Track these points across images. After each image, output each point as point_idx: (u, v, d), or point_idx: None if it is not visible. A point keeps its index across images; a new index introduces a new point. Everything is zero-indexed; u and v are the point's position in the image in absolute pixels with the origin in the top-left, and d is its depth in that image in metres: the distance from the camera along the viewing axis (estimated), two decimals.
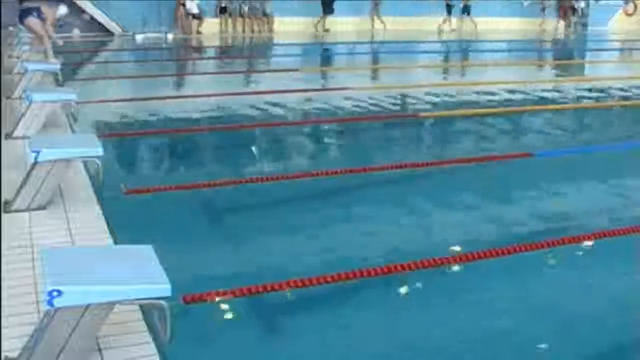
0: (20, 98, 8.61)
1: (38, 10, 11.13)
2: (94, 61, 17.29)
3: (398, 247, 5.11)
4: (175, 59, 18.71)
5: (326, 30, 24.74)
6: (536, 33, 26.19)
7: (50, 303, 2.79)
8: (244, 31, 23.71)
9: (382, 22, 25.11)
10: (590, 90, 13.31)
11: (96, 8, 21.62)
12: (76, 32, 21.40)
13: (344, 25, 25.11)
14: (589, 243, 5.04)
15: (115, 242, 4.43)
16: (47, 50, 11.43)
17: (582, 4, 28.59)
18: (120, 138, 8.21)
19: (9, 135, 7.11)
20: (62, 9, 11.87)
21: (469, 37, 24.52)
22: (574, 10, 27.91)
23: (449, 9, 26.13)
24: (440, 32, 25.72)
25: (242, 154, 8.02)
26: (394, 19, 25.24)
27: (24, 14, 11.19)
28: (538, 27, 26.96)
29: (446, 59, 19.66)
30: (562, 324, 4.04)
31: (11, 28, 16.36)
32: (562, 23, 27.67)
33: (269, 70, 15.95)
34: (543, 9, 27.61)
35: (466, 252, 4.65)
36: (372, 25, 25.29)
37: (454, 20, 26.37)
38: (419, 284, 4.44)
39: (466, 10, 25.83)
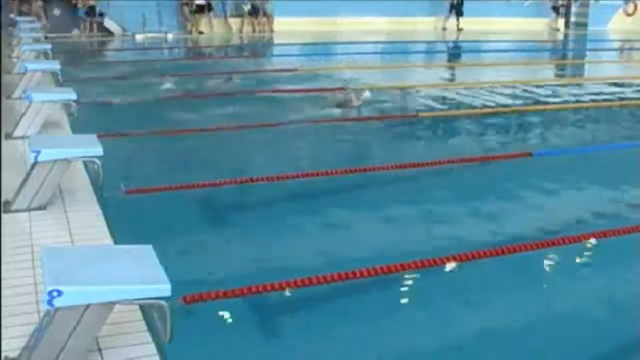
0: (20, 98, 8.61)
1: None
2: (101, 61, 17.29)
3: (397, 247, 5.11)
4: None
5: (460, 29, 25.56)
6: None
7: (50, 303, 2.79)
8: (241, 32, 23.68)
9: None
10: (590, 90, 13.32)
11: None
12: (76, 32, 21.40)
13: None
14: (588, 243, 5.04)
15: (115, 242, 4.43)
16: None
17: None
18: (120, 138, 8.19)
19: (9, 135, 7.12)
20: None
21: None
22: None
23: (557, 10, 27.34)
24: (552, 31, 26.76)
25: (242, 154, 8.01)
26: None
27: None
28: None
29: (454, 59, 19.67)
30: (561, 324, 4.05)
31: (11, 28, 16.38)
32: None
33: (272, 70, 15.94)
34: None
35: (465, 252, 4.65)
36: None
37: (561, 21, 27.39)
38: (419, 284, 4.44)
39: (254, 11, 24.65)
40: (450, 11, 25.86)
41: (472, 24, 25.52)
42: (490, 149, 8.38)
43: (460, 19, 25.71)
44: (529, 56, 19.35)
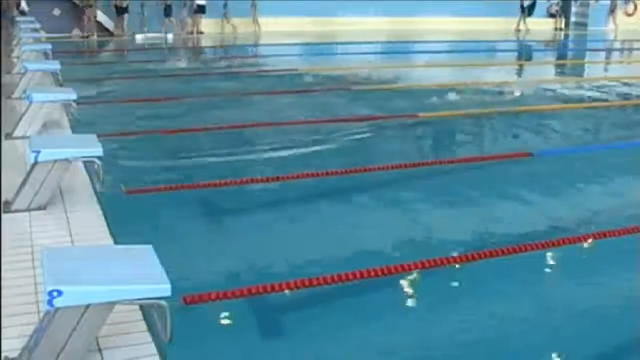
0: (20, 98, 8.61)
1: None
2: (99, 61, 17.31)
3: (397, 247, 5.11)
4: None
5: (519, 30, 26.29)
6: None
7: (50, 303, 2.79)
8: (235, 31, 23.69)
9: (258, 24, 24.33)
10: (590, 89, 13.33)
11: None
12: (76, 32, 21.41)
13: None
14: (588, 243, 5.04)
15: (115, 242, 4.43)
16: None
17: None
18: (120, 138, 8.20)
19: (9, 135, 7.11)
20: None
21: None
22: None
23: (553, 15, 27.96)
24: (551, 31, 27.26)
25: (241, 154, 8.01)
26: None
27: None
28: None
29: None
30: (560, 324, 4.06)
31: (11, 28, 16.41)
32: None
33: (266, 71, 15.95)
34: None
35: (466, 252, 4.65)
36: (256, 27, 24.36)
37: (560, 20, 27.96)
38: (419, 284, 4.44)
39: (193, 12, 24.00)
40: (523, 12, 26.51)
41: (473, 24, 25.57)
42: (490, 149, 8.38)
43: (527, 20, 26.46)
44: (528, 56, 19.35)
